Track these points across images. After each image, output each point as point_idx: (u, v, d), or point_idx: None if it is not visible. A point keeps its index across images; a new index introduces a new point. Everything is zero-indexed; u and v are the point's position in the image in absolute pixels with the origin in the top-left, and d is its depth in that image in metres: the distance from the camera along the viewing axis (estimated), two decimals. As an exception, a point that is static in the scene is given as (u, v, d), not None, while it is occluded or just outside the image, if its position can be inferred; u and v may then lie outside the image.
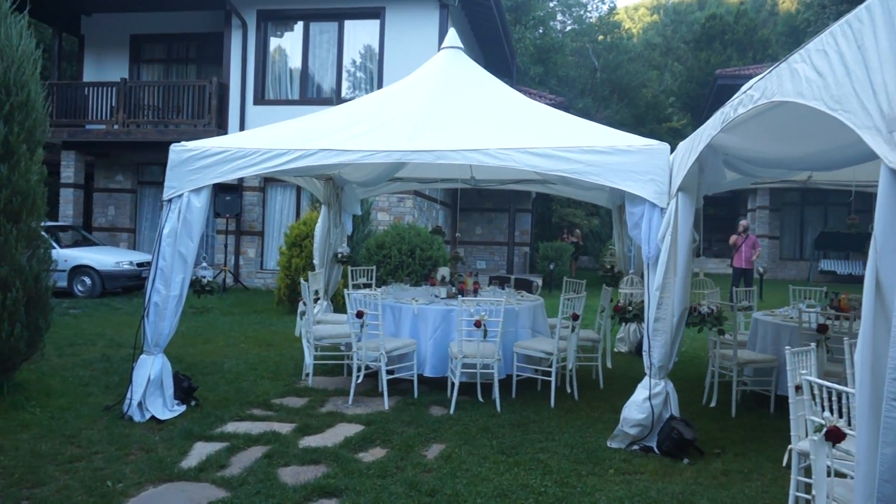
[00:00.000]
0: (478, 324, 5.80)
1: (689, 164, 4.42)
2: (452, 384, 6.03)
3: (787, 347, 3.61)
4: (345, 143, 5.55)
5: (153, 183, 16.61)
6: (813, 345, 3.92)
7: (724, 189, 5.77)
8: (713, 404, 6.31)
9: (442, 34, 14.33)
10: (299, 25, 15.85)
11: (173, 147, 5.71)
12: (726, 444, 5.21)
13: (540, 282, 17.54)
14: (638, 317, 5.76)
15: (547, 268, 17.98)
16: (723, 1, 46.31)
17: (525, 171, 6.28)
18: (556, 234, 23.98)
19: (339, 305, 9.50)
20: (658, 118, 34.15)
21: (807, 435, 3.23)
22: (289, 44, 16.02)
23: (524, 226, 20.83)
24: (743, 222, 13.93)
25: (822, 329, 5.63)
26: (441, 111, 6.05)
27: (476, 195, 19.31)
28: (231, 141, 5.82)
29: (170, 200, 5.61)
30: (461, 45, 7.16)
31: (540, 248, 19.19)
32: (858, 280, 16.77)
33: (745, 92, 3.09)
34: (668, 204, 4.85)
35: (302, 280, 7.08)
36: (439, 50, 7.30)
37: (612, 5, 39.28)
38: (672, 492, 4.26)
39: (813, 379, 3.08)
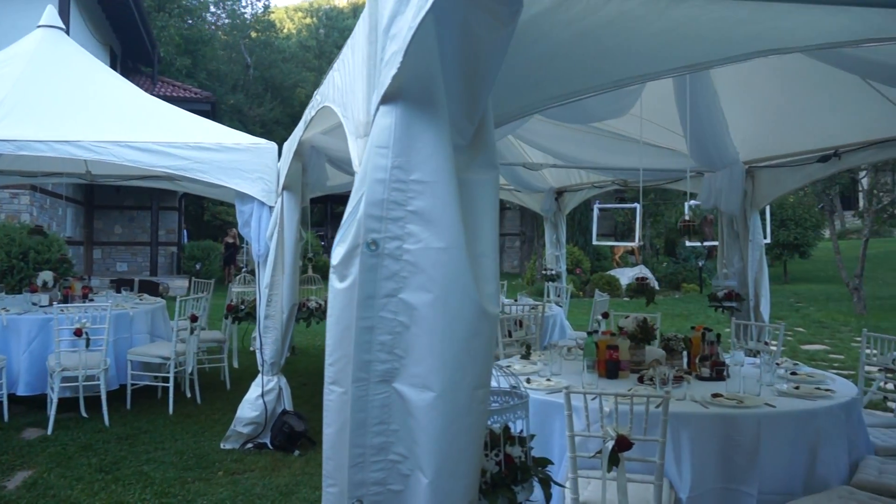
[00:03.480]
0: (78, 332, 5.29)
1: (289, 162, 4.53)
2: (52, 401, 5.42)
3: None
4: None
5: None
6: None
7: (332, 191, 6.03)
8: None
9: (64, 11, 12.87)
10: None
11: None
12: (339, 432, 5.47)
13: (186, 283, 16.76)
14: (251, 315, 5.77)
15: (193, 268, 17.25)
16: (373, 11, 48.90)
17: (141, 168, 5.87)
18: (210, 234, 23.15)
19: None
20: (313, 119, 34.87)
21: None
22: None
23: (170, 224, 19.62)
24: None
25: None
26: (31, 97, 5.37)
27: (114, 192, 17.67)
28: None
29: None
30: (62, 25, 6.44)
31: (186, 248, 18.33)
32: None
33: (314, 95, 3.23)
34: (276, 202, 4.92)
35: None
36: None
37: (266, 3, 39.01)
38: (277, 485, 4.34)
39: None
